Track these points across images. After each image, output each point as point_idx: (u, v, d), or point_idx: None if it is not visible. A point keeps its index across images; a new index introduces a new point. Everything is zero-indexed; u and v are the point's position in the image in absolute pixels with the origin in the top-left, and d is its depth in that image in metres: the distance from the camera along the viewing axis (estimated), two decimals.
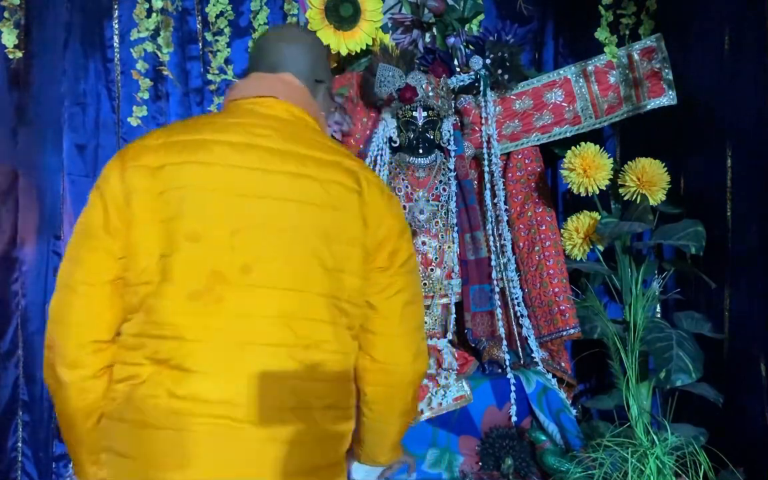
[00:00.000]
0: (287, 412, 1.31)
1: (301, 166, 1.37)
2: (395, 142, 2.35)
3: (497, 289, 2.24)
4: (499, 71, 2.31)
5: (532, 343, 2.20)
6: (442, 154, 2.37)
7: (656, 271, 2.29)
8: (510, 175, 2.39)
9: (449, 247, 2.31)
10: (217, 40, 2.47)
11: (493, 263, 2.27)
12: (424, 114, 2.30)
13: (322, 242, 1.36)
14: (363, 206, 1.40)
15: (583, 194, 2.21)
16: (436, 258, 2.30)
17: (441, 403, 2.04)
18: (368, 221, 1.41)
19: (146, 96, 2.48)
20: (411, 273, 1.48)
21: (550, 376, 2.15)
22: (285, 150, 1.38)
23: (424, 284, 2.28)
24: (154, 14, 2.43)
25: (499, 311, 2.23)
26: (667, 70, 2.31)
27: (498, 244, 2.28)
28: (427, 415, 2.04)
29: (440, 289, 2.29)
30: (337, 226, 1.38)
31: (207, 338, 1.29)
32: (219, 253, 1.31)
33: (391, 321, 1.45)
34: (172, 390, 1.27)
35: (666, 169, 2.21)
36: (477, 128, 2.36)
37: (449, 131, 2.33)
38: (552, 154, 2.46)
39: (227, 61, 2.50)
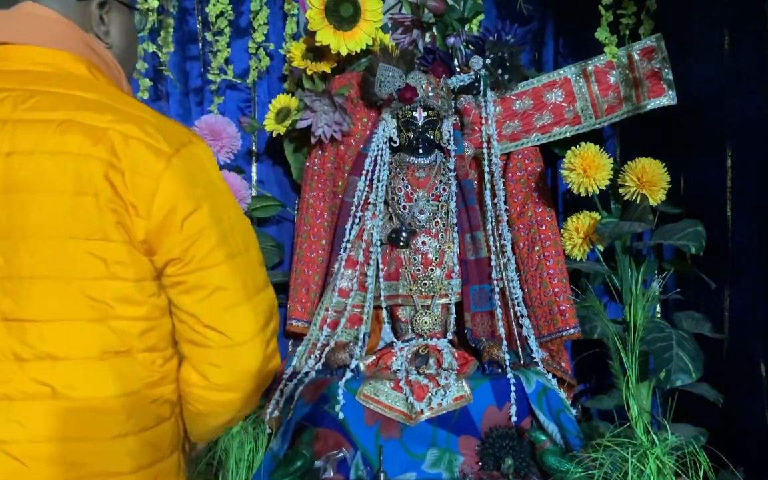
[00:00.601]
0: None
1: (15, 139, 1.00)
2: (395, 142, 2.35)
3: (497, 289, 2.24)
4: (499, 71, 2.31)
5: (532, 343, 2.19)
6: (442, 154, 2.37)
7: (656, 271, 2.29)
8: (510, 175, 2.39)
9: (449, 247, 2.31)
10: (217, 40, 2.46)
11: (493, 263, 2.27)
12: (424, 114, 2.30)
13: (54, 244, 0.99)
14: (116, 177, 0.99)
15: (583, 194, 2.21)
16: (436, 258, 2.30)
17: (441, 403, 2.04)
18: (128, 197, 0.99)
19: (146, 96, 2.46)
20: (231, 259, 1.05)
21: (550, 376, 2.14)
22: (7, 119, 1.01)
23: (424, 284, 2.28)
24: (153, 14, 2.42)
25: (499, 311, 2.23)
26: (667, 70, 2.31)
27: (498, 244, 2.27)
28: (427, 415, 2.04)
29: (440, 289, 2.29)
30: (73, 216, 0.99)
31: None
32: None
33: (222, 331, 1.05)
34: None
35: (666, 169, 2.21)
36: (477, 128, 2.36)
37: (449, 131, 2.33)
38: (552, 154, 2.46)
39: (227, 61, 2.49)
